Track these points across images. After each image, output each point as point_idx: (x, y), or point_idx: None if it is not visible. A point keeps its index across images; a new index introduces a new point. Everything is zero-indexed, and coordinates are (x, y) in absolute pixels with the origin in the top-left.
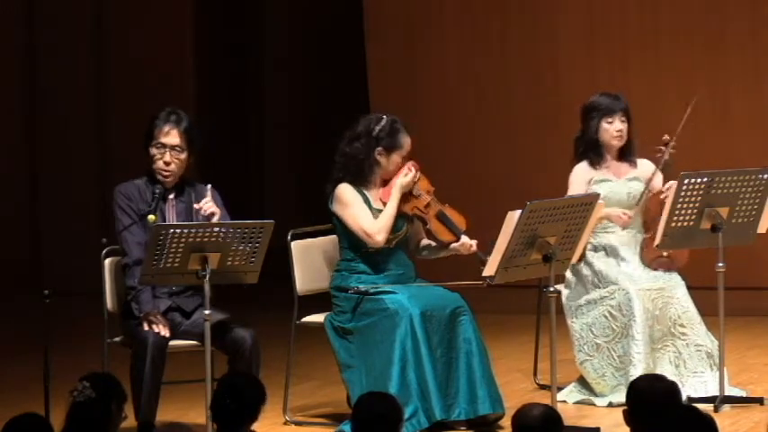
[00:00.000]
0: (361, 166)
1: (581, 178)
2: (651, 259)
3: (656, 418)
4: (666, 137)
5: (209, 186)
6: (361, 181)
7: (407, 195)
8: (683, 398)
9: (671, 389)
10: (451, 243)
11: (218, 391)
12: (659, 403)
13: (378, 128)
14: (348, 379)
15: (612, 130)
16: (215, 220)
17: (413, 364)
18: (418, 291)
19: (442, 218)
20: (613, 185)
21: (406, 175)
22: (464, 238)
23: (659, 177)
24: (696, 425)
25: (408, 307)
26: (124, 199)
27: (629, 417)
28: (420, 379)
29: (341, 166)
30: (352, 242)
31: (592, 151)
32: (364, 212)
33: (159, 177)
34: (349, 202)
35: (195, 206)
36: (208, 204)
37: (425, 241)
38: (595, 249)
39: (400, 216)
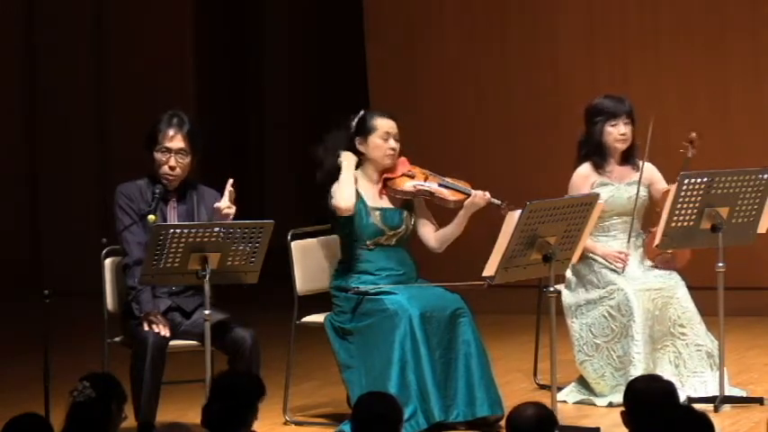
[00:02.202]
0: (339, 164)
1: (582, 183)
2: (653, 256)
3: (654, 418)
4: (693, 134)
5: (230, 181)
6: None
7: (405, 178)
8: (683, 398)
9: (668, 389)
10: (465, 201)
11: (210, 398)
12: (657, 403)
13: (353, 123)
14: (348, 379)
15: (616, 133)
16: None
17: (412, 365)
18: (418, 291)
19: (446, 185)
20: (614, 190)
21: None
22: (475, 192)
23: (660, 179)
24: (693, 424)
25: (408, 308)
26: (125, 199)
27: (627, 417)
28: (419, 380)
29: (328, 165)
30: (352, 241)
31: (596, 155)
32: (346, 184)
33: (164, 181)
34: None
35: (216, 205)
36: (226, 205)
37: (440, 233)
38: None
39: (400, 209)
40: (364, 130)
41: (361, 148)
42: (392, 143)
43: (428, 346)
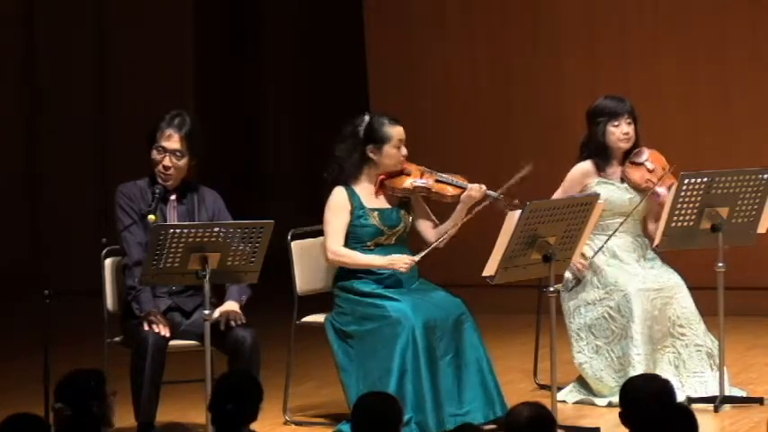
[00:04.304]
0: (343, 166)
1: (580, 179)
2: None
3: (648, 416)
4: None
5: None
6: (345, 179)
7: (402, 176)
8: (683, 398)
9: (661, 387)
10: (461, 195)
11: (215, 394)
12: (652, 403)
13: (362, 127)
14: (345, 382)
15: (619, 132)
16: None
17: (411, 375)
18: (421, 299)
19: (442, 180)
20: (615, 189)
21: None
22: (471, 185)
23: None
24: (683, 422)
25: (411, 318)
26: (125, 199)
27: (624, 417)
28: (417, 390)
29: (329, 168)
30: (354, 241)
31: (599, 156)
32: (339, 225)
33: (160, 181)
34: (333, 208)
35: (215, 314)
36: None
37: (438, 229)
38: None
39: (397, 207)
40: (377, 139)
41: (372, 155)
42: (404, 150)
43: (429, 357)
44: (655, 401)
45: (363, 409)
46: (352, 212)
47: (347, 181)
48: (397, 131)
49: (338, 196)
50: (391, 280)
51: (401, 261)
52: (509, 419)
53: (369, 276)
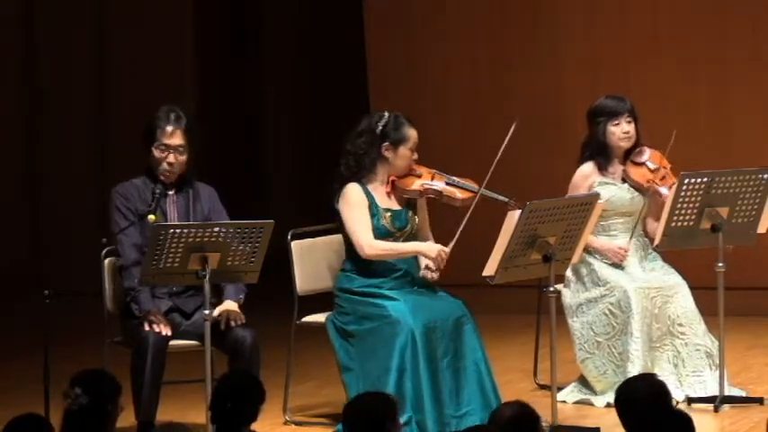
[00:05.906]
0: (361, 162)
1: (582, 182)
2: (645, 180)
3: (641, 416)
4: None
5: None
6: (361, 176)
7: (412, 177)
8: (682, 397)
9: (658, 388)
10: (473, 198)
11: (216, 394)
12: (646, 403)
13: (381, 124)
14: (347, 381)
15: (620, 132)
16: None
17: (410, 375)
18: (422, 300)
19: (453, 183)
20: (616, 190)
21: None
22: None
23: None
24: (676, 424)
25: (411, 320)
26: (122, 199)
27: (619, 417)
28: (416, 390)
29: (343, 163)
30: None
31: (600, 155)
32: (365, 219)
33: (162, 177)
34: (354, 204)
35: (215, 313)
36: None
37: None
38: (596, 251)
39: (405, 209)
40: (396, 139)
41: (387, 154)
42: (415, 154)
43: (428, 358)
44: (651, 402)
45: (353, 409)
46: (369, 209)
47: (361, 178)
48: (413, 134)
49: (356, 192)
50: (396, 284)
51: (443, 252)
52: (493, 420)
53: (379, 278)
